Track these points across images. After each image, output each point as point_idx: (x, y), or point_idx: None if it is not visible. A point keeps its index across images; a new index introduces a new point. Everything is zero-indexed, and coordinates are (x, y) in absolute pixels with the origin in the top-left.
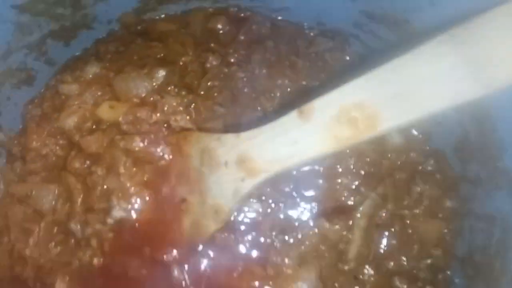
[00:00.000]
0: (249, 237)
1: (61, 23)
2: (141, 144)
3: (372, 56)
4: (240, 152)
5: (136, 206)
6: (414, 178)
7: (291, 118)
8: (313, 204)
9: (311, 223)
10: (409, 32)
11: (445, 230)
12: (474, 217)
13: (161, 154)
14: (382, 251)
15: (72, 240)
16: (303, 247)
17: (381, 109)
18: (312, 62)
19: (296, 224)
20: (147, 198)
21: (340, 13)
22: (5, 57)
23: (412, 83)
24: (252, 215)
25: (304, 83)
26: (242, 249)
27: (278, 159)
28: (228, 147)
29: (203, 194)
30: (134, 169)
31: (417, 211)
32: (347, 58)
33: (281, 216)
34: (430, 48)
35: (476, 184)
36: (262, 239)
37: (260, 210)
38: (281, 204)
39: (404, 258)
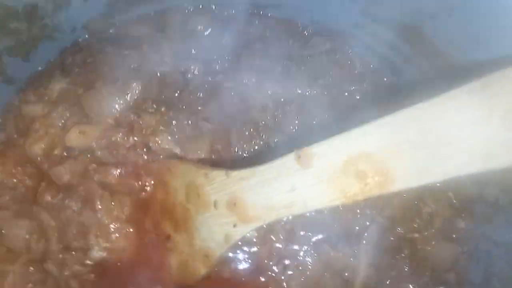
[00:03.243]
0: (246, 268)
1: (17, 37)
2: (119, 174)
3: (377, 62)
4: (231, 193)
5: (117, 244)
6: (424, 197)
7: (288, 162)
8: (316, 228)
9: (313, 250)
10: (423, 39)
11: (459, 254)
12: (492, 242)
13: (141, 185)
14: (391, 278)
15: (51, 280)
16: (304, 277)
17: (394, 165)
18: (308, 67)
19: (297, 251)
20: (129, 235)
21: (338, 11)
22: None
23: (430, 138)
24: (248, 243)
25: (299, 91)
26: (239, 281)
27: (273, 206)
28: (217, 185)
29: (191, 233)
30: (112, 203)
31: (428, 233)
32: (348, 62)
33: (280, 244)
34: (457, 96)
35: (495, 208)
36: (260, 269)
37: (256, 238)
38: (279, 230)
39: (415, 285)
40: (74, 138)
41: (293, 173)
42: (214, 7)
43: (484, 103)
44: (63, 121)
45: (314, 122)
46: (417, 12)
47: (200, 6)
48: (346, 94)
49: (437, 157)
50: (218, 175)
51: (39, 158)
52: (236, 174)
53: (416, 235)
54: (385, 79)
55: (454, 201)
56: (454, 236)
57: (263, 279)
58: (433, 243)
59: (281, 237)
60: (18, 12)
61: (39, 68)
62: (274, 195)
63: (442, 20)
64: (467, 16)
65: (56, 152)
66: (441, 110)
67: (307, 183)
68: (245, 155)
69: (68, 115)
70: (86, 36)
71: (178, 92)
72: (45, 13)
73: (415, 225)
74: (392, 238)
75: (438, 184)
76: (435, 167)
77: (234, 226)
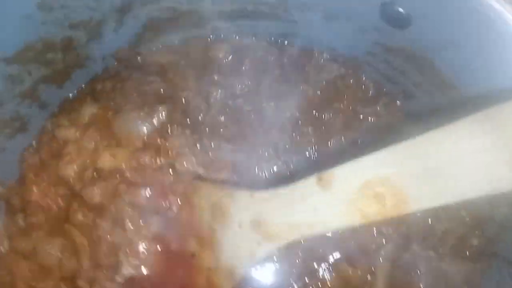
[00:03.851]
0: (268, 285)
1: (53, 67)
2: (147, 195)
3: (390, 86)
4: (255, 213)
5: (145, 262)
6: (437, 216)
7: (309, 184)
8: (333, 246)
9: (332, 268)
10: (432, 68)
11: (472, 270)
12: (503, 260)
13: (168, 205)
14: None
15: None
16: None
17: (409, 188)
18: (323, 91)
19: (316, 269)
20: (156, 253)
21: (352, 41)
22: None
23: (443, 162)
24: (270, 261)
25: (316, 114)
26: None
27: (297, 226)
28: (242, 206)
29: (216, 251)
30: (141, 222)
31: (442, 250)
32: (362, 86)
33: (300, 262)
34: (464, 126)
35: (505, 227)
36: (281, 287)
37: (277, 256)
38: (299, 249)
39: None
40: (106, 161)
41: (314, 195)
42: (234, 37)
43: (489, 132)
44: (94, 144)
45: (330, 143)
46: (425, 44)
47: (221, 35)
48: (360, 116)
49: (448, 180)
50: (243, 195)
51: (71, 180)
52: (260, 195)
53: (431, 252)
54: (398, 102)
55: (467, 219)
56: (467, 253)
57: None
58: (447, 260)
59: (300, 255)
60: (54, 44)
61: (71, 94)
62: (296, 215)
63: (449, 53)
64: (473, 49)
65: (87, 173)
66: (448, 138)
67: (328, 204)
68: (265, 174)
69: (98, 138)
70: (115, 64)
71: (201, 115)
72: (78, 45)
73: (429, 243)
74: (407, 256)
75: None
76: (447, 190)
77: (259, 244)
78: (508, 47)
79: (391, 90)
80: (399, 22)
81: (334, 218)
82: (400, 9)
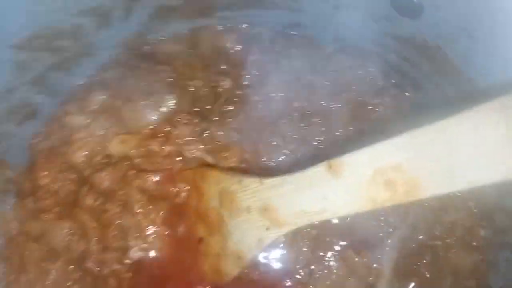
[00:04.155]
0: (274, 271)
1: (62, 54)
2: (156, 181)
3: (399, 77)
4: (264, 199)
5: (153, 245)
6: (445, 206)
7: (319, 172)
8: (340, 235)
9: (338, 256)
10: (443, 58)
11: (479, 261)
12: (510, 250)
13: (176, 190)
14: (413, 284)
15: (89, 279)
16: (329, 281)
17: (421, 175)
18: (332, 81)
19: (322, 256)
20: (164, 237)
21: (360, 30)
22: (7, 95)
23: (455, 150)
24: (276, 248)
25: (323, 104)
26: (267, 283)
27: (305, 212)
28: (251, 192)
29: (223, 236)
30: (150, 206)
31: (449, 241)
32: (371, 77)
33: (306, 249)
34: (479, 114)
35: None
36: (287, 273)
37: (284, 243)
38: (306, 236)
39: None
40: (116, 146)
41: (325, 182)
42: (242, 26)
43: (502, 122)
44: (103, 131)
45: (338, 134)
46: (437, 33)
47: (229, 25)
48: (368, 107)
49: (460, 168)
50: (252, 182)
51: (80, 165)
52: (269, 181)
53: (438, 242)
54: (406, 94)
55: (475, 210)
56: (475, 244)
57: (290, 283)
58: (454, 250)
59: (307, 243)
60: (64, 32)
61: (80, 82)
62: (306, 202)
63: (461, 42)
64: (486, 39)
65: (97, 159)
66: (461, 126)
67: (338, 191)
68: (273, 164)
69: (108, 125)
70: (124, 52)
71: (210, 104)
72: (88, 32)
73: (436, 233)
74: (414, 245)
75: (459, 194)
76: (459, 177)
77: (267, 230)
78: None
79: (400, 81)
80: (411, 11)
81: (343, 204)
82: None
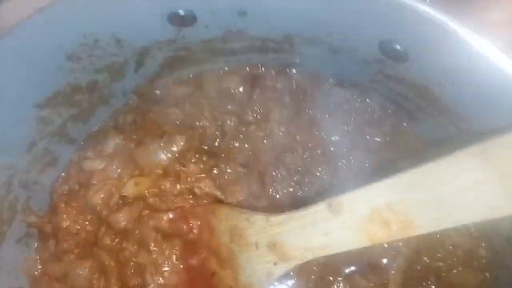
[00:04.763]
0: None
1: (79, 106)
2: (169, 219)
3: (395, 108)
4: (271, 236)
5: (169, 280)
6: (446, 230)
7: (320, 210)
8: (347, 260)
9: (346, 281)
10: (434, 97)
11: (481, 280)
12: (509, 272)
13: (189, 227)
14: None
15: None
16: None
17: (413, 214)
18: (331, 115)
19: (331, 282)
20: (179, 272)
21: (355, 69)
22: (30, 148)
23: (443, 191)
24: (287, 277)
25: (325, 136)
26: None
27: (310, 248)
28: (258, 229)
29: (235, 270)
30: (164, 244)
31: (451, 262)
32: (368, 109)
33: (316, 276)
34: (461, 159)
35: (510, 241)
36: None
37: (294, 272)
38: (314, 264)
39: None
40: (131, 188)
41: (325, 220)
42: (245, 67)
43: (484, 165)
44: (118, 173)
45: (339, 164)
46: (425, 77)
47: (233, 68)
48: (367, 137)
49: (450, 208)
50: (259, 219)
51: (98, 207)
52: (275, 219)
53: (441, 263)
54: (404, 124)
55: (475, 233)
56: (476, 264)
57: None
58: (456, 271)
59: (316, 270)
60: (81, 88)
61: (96, 128)
62: (310, 238)
63: (447, 88)
64: (471, 87)
65: (113, 201)
66: (449, 170)
67: (338, 228)
68: (279, 195)
69: (122, 168)
70: (135, 98)
71: (217, 142)
72: (102, 85)
73: (439, 255)
74: (418, 267)
75: None
76: (449, 216)
77: (275, 264)
78: (505, 85)
79: (397, 112)
80: (397, 57)
81: (344, 241)
82: (398, 46)
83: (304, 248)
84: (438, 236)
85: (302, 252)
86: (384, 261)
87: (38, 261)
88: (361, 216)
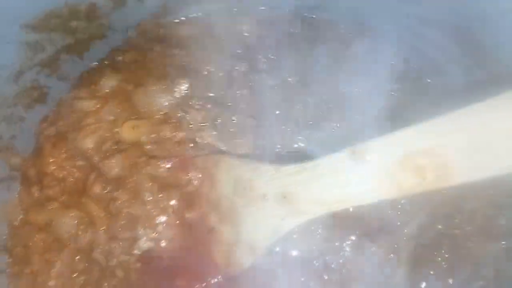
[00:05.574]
0: (289, 261)
1: (76, 36)
2: (167, 168)
3: (422, 63)
4: (281, 187)
5: (163, 235)
6: (464, 195)
7: (341, 158)
8: (356, 224)
9: (354, 245)
10: (472, 40)
11: (499, 250)
12: None
13: (188, 178)
14: (431, 273)
15: (96, 270)
16: (345, 270)
17: (453, 160)
18: (350, 66)
19: (337, 246)
20: (175, 227)
21: (384, 13)
22: (17, 77)
23: (488, 135)
24: (290, 238)
25: (341, 90)
26: (282, 274)
27: (325, 201)
28: (266, 180)
29: (236, 225)
30: (160, 195)
31: (469, 229)
32: (391, 63)
33: (321, 238)
34: (506, 101)
35: None
36: (301, 263)
37: (297, 233)
38: (320, 226)
39: (454, 281)
40: (127, 132)
41: (347, 168)
42: (258, 9)
43: None
44: (113, 116)
45: (355, 120)
46: (467, 14)
47: (246, 8)
48: (387, 93)
49: (493, 154)
50: (268, 170)
51: (89, 152)
52: (286, 169)
53: (457, 231)
54: (428, 80)
55: (495, 198)
56: (494, 232)
57: (305, 273)
58: (473, 239)
59: (321, 233)
60: (79, 11)
61: (91, 66)
62: (326, 189)
63: (492, 24)
64: None
65: (106, 146)
66: (494, 109)
67: (362, 178)
68: (287, 151)
69: (118, 110)
70: (136, 35)
71: (224, 90)
72: (102, 13)
73: (455, 222)
74: (432, 234)
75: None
76: (492, 163)
77: (282, 219)
78: None
79: (421, 66)
80: None
81: (367, 191)
82: None
83: (318, 201)
84: (455, 200)
85: (315, 205)
86: (396, 226)
87: (20, 208)
88: (392, 163)
